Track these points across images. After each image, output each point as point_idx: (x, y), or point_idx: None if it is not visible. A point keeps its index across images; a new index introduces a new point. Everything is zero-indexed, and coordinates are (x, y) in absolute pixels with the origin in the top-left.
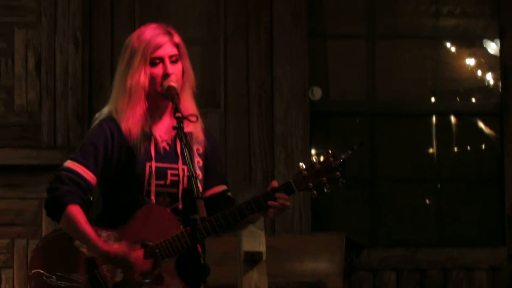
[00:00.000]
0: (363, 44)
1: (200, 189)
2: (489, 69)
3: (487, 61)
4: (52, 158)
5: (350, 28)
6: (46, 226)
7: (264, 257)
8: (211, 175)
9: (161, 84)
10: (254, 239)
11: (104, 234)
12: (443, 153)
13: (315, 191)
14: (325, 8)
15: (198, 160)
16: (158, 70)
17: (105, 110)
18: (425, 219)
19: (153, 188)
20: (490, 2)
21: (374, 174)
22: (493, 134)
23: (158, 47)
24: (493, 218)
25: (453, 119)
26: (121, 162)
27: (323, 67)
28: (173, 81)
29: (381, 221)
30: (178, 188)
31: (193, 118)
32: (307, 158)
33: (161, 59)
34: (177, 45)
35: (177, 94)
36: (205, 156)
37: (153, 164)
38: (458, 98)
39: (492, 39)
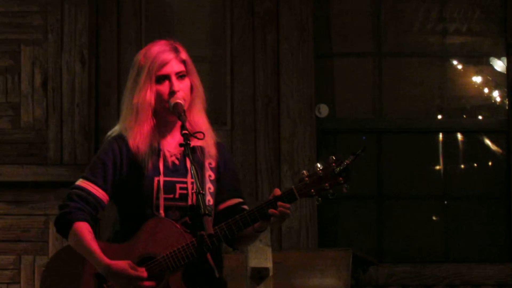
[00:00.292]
0: (370, 61)
1: (212, 202)
2: (496, 87)
3: (493, 79)
4: (58, 174)
5: (357, 46)
6: (53, 242)
7: (270, 273)
8: (224, 188)
9: (168, 101)
10: (260, 255)
11: (112, 248)
12: (450, 170)
13: (319, 198)
14: (332, 26)
15: (209, 174)
16: (165, 88)
17: (116, 128)
18: (432, 235)
19: (161, 202)
20: (497, 20)
21: (381, 190)
22: (500, 151)
23: (164, 64)
24: (500, 235)
25: (460, 136)
26: (130, 178)
27: (330, 84)
28: (179, 98)
29: (388, 237)
30: (187, 201)
31: (200, 135)
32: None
33: (167, 77)
34: (183, 62)
35: (184, 111)
36: (217, 170)
37: (161, 179)
38: (465, 115)
39: (499, 56)
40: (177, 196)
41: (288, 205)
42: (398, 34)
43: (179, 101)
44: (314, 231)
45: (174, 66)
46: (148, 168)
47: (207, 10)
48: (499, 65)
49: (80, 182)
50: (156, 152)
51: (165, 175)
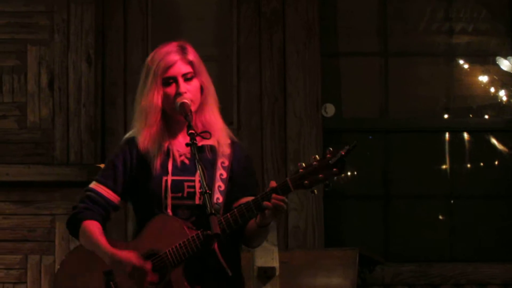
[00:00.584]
0: (376, 61)
1: (221, 200)
2: (502, 86)
3: (500, 78)
4: (64, 174)
5: (363, 46)
6: (59, 242)
7: (277, 273)
8: (237, 187)
9: (174, 102)
10: (267, 255)
11: (120, 246)
12: (456, 169)
13: (315, 190)
14: (338, 26)
15: (221, 173)
16: (171, 89)
17: (131, 130)
18: (438, 234)
19: (169, 201)
20: (503, 20)
21: (387, 190)
22: (506, 150)
23: (169, 66)
24: (507, 234)
25: (466, 135)
26: (140, 179)
27: (336, 84)
28: (186, 98)
29: (394, 236)
30: (195, 200)
31: (206, 135)
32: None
33: (174, 78)
34: (190, 63)
35: (190, 111)
36: (230, 169)
37: (169, 178)
38: (471, 115)
39: (505, 56)
40: (185, 195)
41: (282, 197)
42: (404, 33)
43: (185, 100)
44: (320, 230)
45: (180, 68)
46: (157, 168)
47: (213, 9)
48: (505, 64)
49: (92, 184)
50: (166, 152)
51: (173, 175)
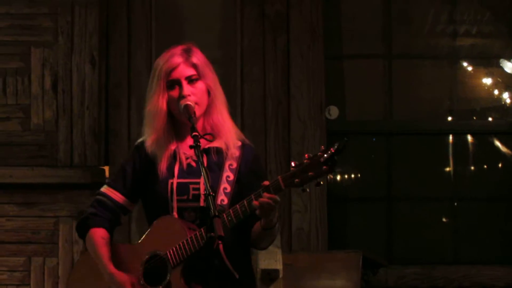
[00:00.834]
0: (380, 63)
1: (226, 201)
2: (506, 88)
3: (504, 80)
4: (68, 176)
5: (367, 48)
6: (63, 244)
7: (280, 275)
8: (245, 189)
9: (178, 105)
10: (270, 257)
11: (125, 249)
12: (459, 171)
13: (307, 188)
14: (342, 28)
15: (228, 175)
16: (175, 92)
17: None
18: (442, 237)
19: (175, 203)
20: (507, 22)
21: (391, 192)
22: (510, 152)
23: (172, 69)
24: (510, 236)
25: (470, 138)
26: (149, 182)
27: (340, 86)
28: (189, 101)
29: (398, 239)
30: (200, 202)
31: (210, 137)
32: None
33: (178, 81)
34: (194, 65)
35: (194, 113)
36: (238, 171)
37: (175, 181)
38: (475, 117)
39: (509, 58)
40: (190, 197)
41: (271, 195)
42: (408, 36)
43: (188, 103)
44: (324, 233)
45: (183, 71)
46: (163, 171)
47: (217, 12)
48: (509, 66)
49: (103, 188)
50: (173, 155)
51: (179, 177)
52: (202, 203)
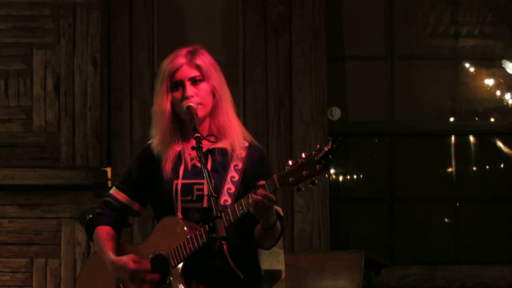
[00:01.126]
0: (382, 65)
1: (229, 202)
2: (508, 89)
3: (506, 81)
4: (70, 178)
5: (369, 49)
6: (65, 245)
7: (283, 275)
8: (251, 189)
9: (181, 106)
10: (273, 257)
11: (130, 249)
12: (462, 172)
13: (302, 187)
14: (344, 29)
15: (232, 175)
16: (179, 93)
17: None
18: (444, 237)
19: (179, 204)
20: (509, 23)
21: (393, 193)
22: None
23: (175, 70)
24: None
25: (472, 138)
26: (155, 183)
27: (342, 87)
28: (192, 102)
29: (400, 239)
30: (204, 203)
31: (212, 138)
32: (325, 178)
33: (181, 82)
34: (198, 66)
35: (196, 114)
36: (243, 171)
37: (180, 182)
38: (477, 118)
39: (511, 59)
40: (194, 198)
41: (264, 193)
42: (410, 37)
43: (190, 104)
44: (326, 233)
45: (186, 72)
46: (168, 172)
47: (219, 14)
48: (511, 67)
49: (111, 190)
50: (178, 156)
51: (183, 178)
52: (205, 204)
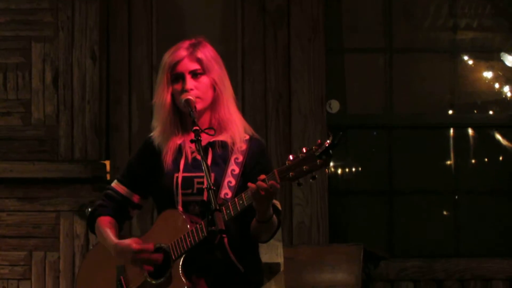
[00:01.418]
0: (381, 57)
1: (230, 195)
2: (506, 82)
3: (504, 74)
4: (69, 171)
5: (368, 42)
6: (64, 238)
7: (282, 268)
8: (250, 182)
9: (180, 99)
10: (271, 250)
11: (129, 241)
12: (460, 165)
13: (302, 182)
14: (342, 22)
15: (233, 168)
16: (179, 86)
17: None
18: (443, 230)
19: (180, 197)
20: (507, 16)
21: (392, 186)
22: (510, 145)
23: (176, 63)
24: (511, 229)
25: (470, 131)
26: (155, 176)
27: (341, 80)
28: (191, 95)
29: (399, 232)
30: (204, 196)
31: (211, 131)
32: (324, 171)
33: (181, 75)
34: (199, 60)
35: (195, 107)
36: (244, 164)
37: (180, 175)
38: (475, 111)
39: (509, 52)
40: (195, 191)
41: (260, 183)
42: (409, 30)
43: (189, 97)
44: (325, 226)
45: (187, 65)
46: (169, 165)
47: (218, 6)
48: (510, 60)
49: (113, 183)
50: (179, 149)
51: (184, 171)
52: (205, 197)
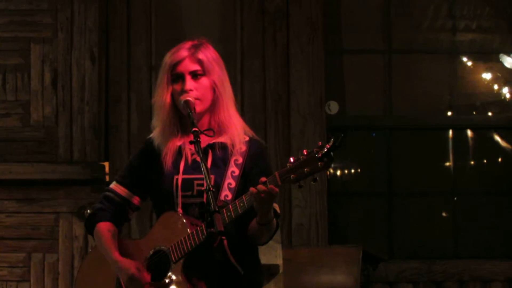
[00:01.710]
0: (379, 58)
1: (230, 197)
2: (505, 83)
3: (503, 75)
4: (68, 172)
5: (366, 43)
6: (63, 239)
7: (281, 270)
8: (250, 183)
9: (179, 100)
10: (270, 252)
11: (132, 244)
12: (459, 166)
13: (303, 184)
14: (341, 23)
15: (233, 170)
16: (178, 86)
17: None
18: (442, 232)
19: (180, 200)
20: (506, 17)
21: (391, 187)
22: (510, 147)
23: (176, 63)
24: (510, 231)
25: (469, 132)
26: (155, 178)
27: (340, 81)
28: (190, 96)
29: (398, 234)
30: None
31: (210, 133)
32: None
33: (181, 75)
34: (199, 61)
35: (194, 108)
36: (243, 166)
37: (180, 177)
38: (474, 112)
39: (508, 53)
40: (195, 193)
41: (261, 187)
42: (408, 31)
43: (188, 98)
44: (324, 228)
45: (187, 65)
46: (169, 167)
47: (217, 7)
48: (508, 61)
49: (112, 184)
50: (178, 151)
51: (184, 173)
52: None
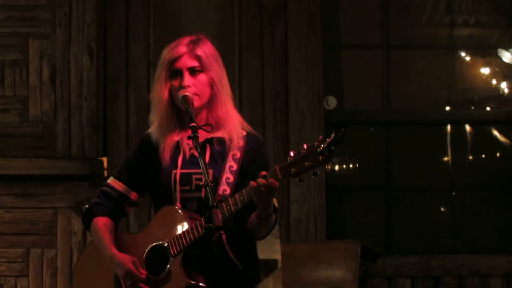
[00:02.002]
0: (378, 53)
1: (228, 191)
2: (504, 78)
3: (501, 70)
4: (66, 168)
5: (365, 38)
6: (61, 235)
7: (279, 265)
8: (247, 178)
9: (177, 95)
10: (269, 247)
11: (129, 238)
12: (458, 161)
13: (303, 178)
14: (340, 18)
15: (231, 165)
16: (177, 82)
17: None
18: (440, 226)
19: (178, 194)
20: (505, 12)
21: (389, 182)
22: (508, 142)
23: (175, 59)
24: (508, 225)
25: (468, 127)
26: (152, 172)
27: (338, 76)
28: (188, 92)
29: (396, 228)
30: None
31: (208, 128)
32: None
33: (179, 71)
34: (198, 57)
35: (192, 104)
36: (241, 161)
37: (178, 171)
38: (473, 107)
39: (507, 48)
40: (193, 187)
41: (261, 181)
42: (406, 26)
43: (186, 93)
44: (322, 223)
45: (186, 61)
46: (167, 161)
47: (215, 3)
48: (507, 56)
49: (109, 179)
50: (176, 145)
51: (182, 168)
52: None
